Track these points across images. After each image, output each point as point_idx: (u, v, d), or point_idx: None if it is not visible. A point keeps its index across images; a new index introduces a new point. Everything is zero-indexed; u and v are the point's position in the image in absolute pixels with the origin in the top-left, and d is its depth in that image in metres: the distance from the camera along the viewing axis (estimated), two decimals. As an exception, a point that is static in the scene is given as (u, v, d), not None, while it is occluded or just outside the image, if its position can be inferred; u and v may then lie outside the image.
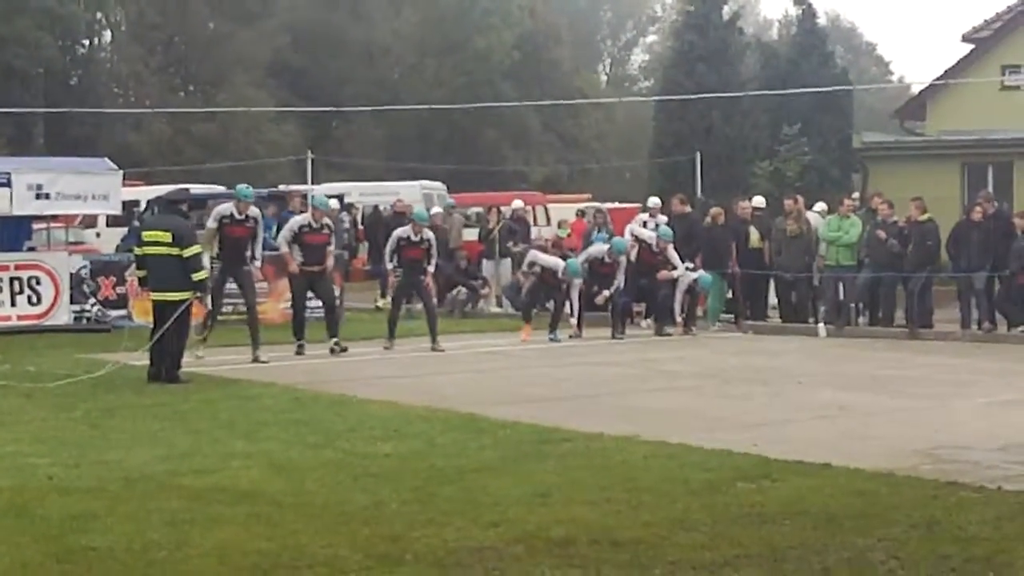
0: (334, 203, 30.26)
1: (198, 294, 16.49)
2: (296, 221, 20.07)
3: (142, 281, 17.08)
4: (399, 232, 20.65)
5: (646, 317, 24.06)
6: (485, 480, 9.78)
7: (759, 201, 26.22)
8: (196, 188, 35.60)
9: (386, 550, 7.68)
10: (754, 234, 24.72)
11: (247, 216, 18.76)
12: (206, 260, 17.71)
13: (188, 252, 16.19)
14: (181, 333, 16.18)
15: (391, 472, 10.08)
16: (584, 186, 58.86)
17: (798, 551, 7.66)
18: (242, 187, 18.93)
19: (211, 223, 18.91)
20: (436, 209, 30.32)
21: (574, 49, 77.61)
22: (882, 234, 22.86)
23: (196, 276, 16.24)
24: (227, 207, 18.88)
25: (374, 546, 7.77)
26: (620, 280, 22.52)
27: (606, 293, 22.39)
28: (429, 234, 20.76)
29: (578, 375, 17.29)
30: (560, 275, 21.91)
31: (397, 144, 60.02)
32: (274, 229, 28.35)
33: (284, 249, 19.67)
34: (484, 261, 28.48)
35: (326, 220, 19.98)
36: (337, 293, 24.95)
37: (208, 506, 8.85)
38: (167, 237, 16.24)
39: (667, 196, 27.50)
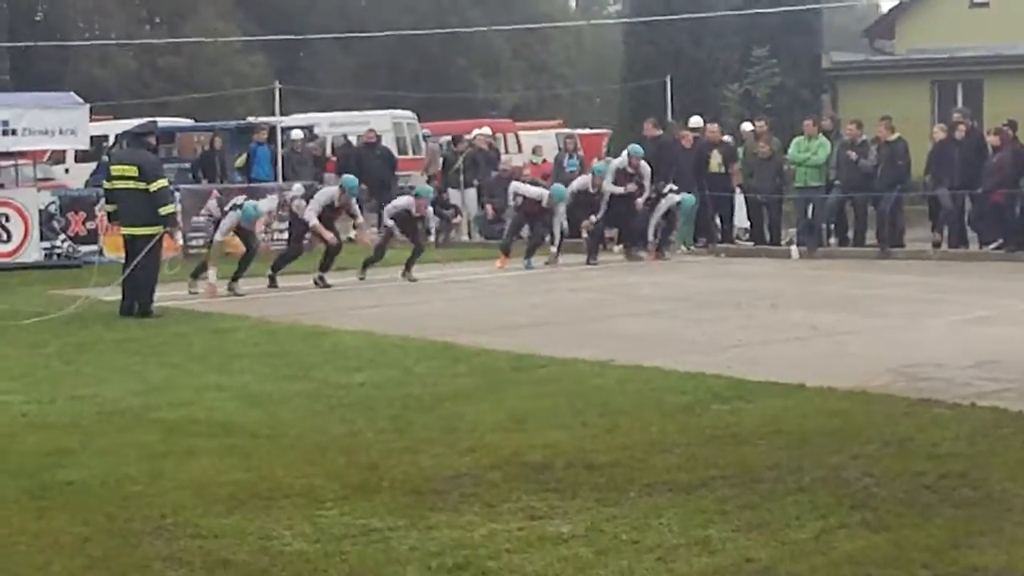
0: (297, 134, 30.10)
1: (167, 228, 16.37)
2: None
3: (111, 216, 16.98)
4: (403, 203, 20.54)
5: (618, 243, 24.02)
6: (461, 407, 9.79)
7: (696, 121, 26.16)
8: (163, 121, 35.39)
9: (362, 479, 7.69)
10: (715, 158, 24.58)
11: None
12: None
13: (155, 186, 16.05)
14: (152, 267, 16.09)
15: (366, 401, 10.08)
16: (555, 112, 58.72)
17: (773, 471, 7.69)
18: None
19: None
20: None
21: (543, -27, 77.16)
22: (852, 154, 22.86)
23: (163, 210, 16.10)
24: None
25: (350, 475, 7.78)
26: (603, 209, 22.48)
27: (593, 218, 22.32)
28: (429, 212, 20.94)
29: (553, 301, 17.30)
30: (544, 203, 21.87)
31: (366, 73, 59.72)
32: (244, 158, 28.30)
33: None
34: (450, 190, 28.23)
35: None
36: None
37: (183, 439, 8.85)
38: (133, 171, 16.11)
39: (638, 120, 27.43)
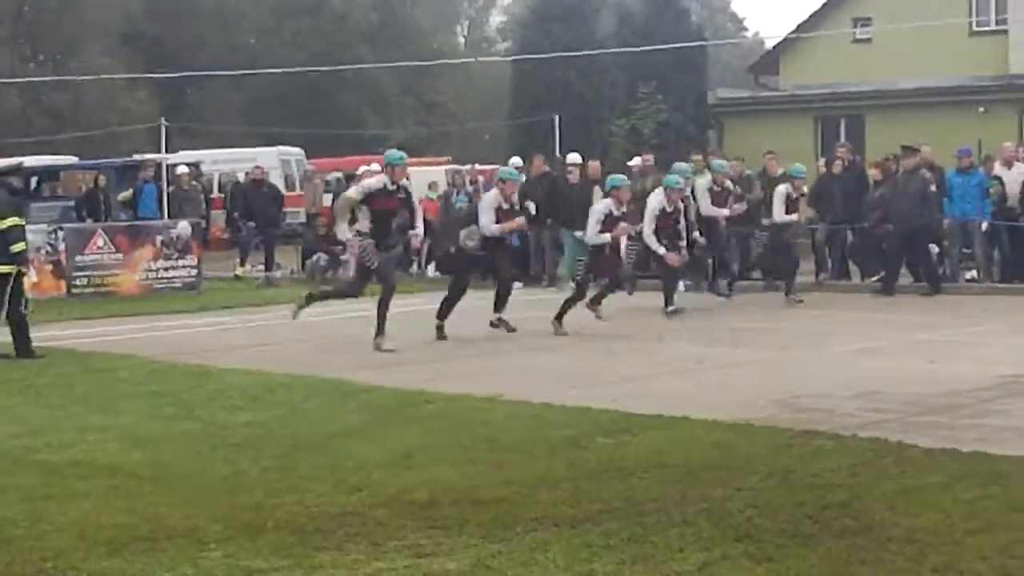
0: (183, 170, 29.80)
1: (21, 268, 16.11)
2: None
3: None
4: (605, 207, 17.98)
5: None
6: (348, 445, 9.75)
7: (573, 158, 25.97)
8: (46, 159, 34.99)
9: (247, 519, 7.62)
10: (598, 194, 24.47)
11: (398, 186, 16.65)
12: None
13: (3, 224, 15.87)
14: (16, 307, 15.84)
15: (251, 441, 10.00)
16: (444, 149, 58.74)
17: (658, 503, 7.74)
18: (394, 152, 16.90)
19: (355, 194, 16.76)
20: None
21: (432, 10, 77.42)
22: (737, 189, 23.07)
23: (13, 248, 15.89)
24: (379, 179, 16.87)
25: (234, 516, 7.70)
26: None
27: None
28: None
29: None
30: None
31: (255, 110, 59.37)
32: (129, 192, 28.09)
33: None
34: (338, 227, 27.82)
35: None
36: (194, 263, 24.74)
37: (65, 481, 8.71)
38: None
39: (526, 157, 27.52)
